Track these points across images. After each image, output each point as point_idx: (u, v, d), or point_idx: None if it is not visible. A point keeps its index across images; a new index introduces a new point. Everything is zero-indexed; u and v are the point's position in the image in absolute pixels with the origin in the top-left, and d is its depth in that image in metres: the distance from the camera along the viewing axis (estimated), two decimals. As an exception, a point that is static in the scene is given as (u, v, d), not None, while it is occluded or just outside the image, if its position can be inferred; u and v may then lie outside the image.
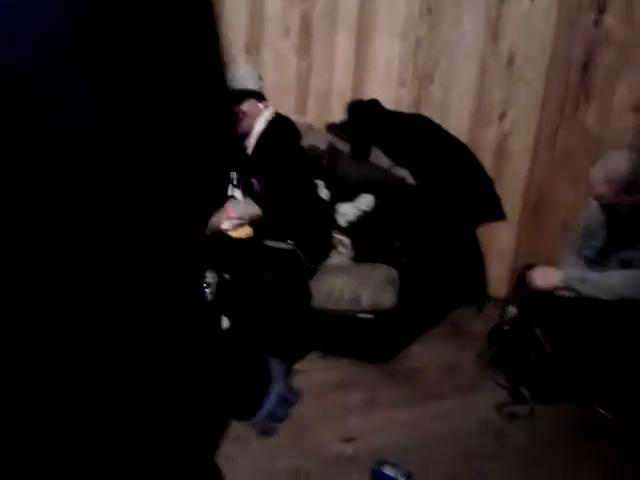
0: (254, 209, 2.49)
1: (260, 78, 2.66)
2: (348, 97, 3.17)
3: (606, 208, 2.16)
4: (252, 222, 2.45)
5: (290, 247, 2.44)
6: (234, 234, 2.45)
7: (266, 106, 2.63)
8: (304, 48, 3.26)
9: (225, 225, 2.49)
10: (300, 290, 2.45)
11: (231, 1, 3.32)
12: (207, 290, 2.16)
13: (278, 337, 2.27)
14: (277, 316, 2.23)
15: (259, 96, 2.61)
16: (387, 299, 2.47)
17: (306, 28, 3.23)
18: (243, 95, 2.54)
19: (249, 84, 2.58)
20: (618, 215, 2.19)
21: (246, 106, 2.55)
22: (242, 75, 2.58)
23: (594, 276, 2.14)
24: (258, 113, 2.59)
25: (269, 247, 2.43)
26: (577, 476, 1.96)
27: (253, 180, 2.54)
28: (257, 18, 3.30)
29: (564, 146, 2.86)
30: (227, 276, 2.31)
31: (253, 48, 3.34)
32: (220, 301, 2.20)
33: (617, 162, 2.06)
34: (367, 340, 2.55)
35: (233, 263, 2.34)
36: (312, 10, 3.19)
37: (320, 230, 2.62)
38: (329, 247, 2.65)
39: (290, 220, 2.50)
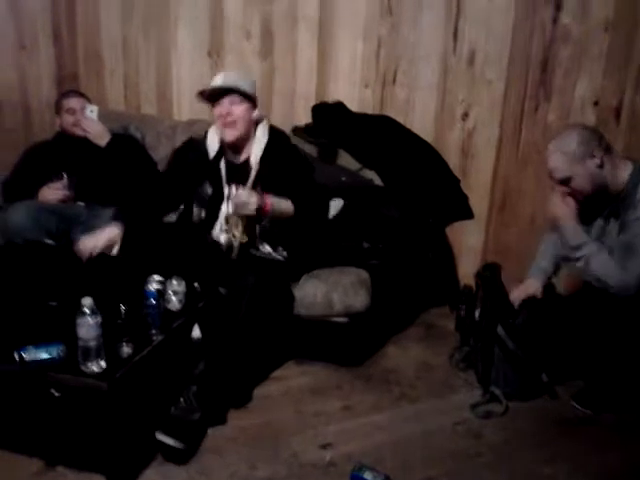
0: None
1: (254, 87, 2.49)
2: (312, 99, 3.17)
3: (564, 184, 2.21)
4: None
5: (276, 257, 2.40)
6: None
7: (261, 116, 2.49)
8: (266, 51, 3.25)
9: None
10: (282, 299, 2.40)
11: (191, 6, 3.29)
12: (175, 299, 2.13)
13: (258, 345, 2.25)
14: (258, 325, 2.21)
15: (254, 103, 2.45)
16: (359, 301, 2.46)
17: (267, 31, 3.22)
18: (236, 93, 2.37)
19: (245, 86, 2.39)
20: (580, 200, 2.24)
21: (240, 109, 2.38)
22: (236, 76, 2.46)
23: (593, 246, 2.15)
24: (254, 121, 2.45)
25: (252, 255, 2.40)
26: (553, 472, 1.98)
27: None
28: (218, 22, 3.27)
29: (527, 143, 2.90)
30: (197, 285, 2.28)
31: (215, 53, 3.31)
32: (190, 310, 2.17)
33: (568, 136, 2.18)
34: (341, 344, 2.54)
35: (214, 270, 2.31)
36: (272, 13, 3.18)
37: (317, 246, 2.56)
38: (318, 263, 2.57)
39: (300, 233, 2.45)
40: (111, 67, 3.54)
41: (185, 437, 1.95)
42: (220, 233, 2.46)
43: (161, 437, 1.92)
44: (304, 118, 3.14)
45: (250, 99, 2.43)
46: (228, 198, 2.43)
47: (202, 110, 3.37)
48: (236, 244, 2.40)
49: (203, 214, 2.52)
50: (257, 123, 2.48)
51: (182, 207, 2.62)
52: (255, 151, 2.45)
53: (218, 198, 2.48)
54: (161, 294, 2.05)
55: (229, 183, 2.44)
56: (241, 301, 2.15)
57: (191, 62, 3.38)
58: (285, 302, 2.41)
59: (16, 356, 1.77)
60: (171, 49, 3.40)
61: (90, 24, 3.50)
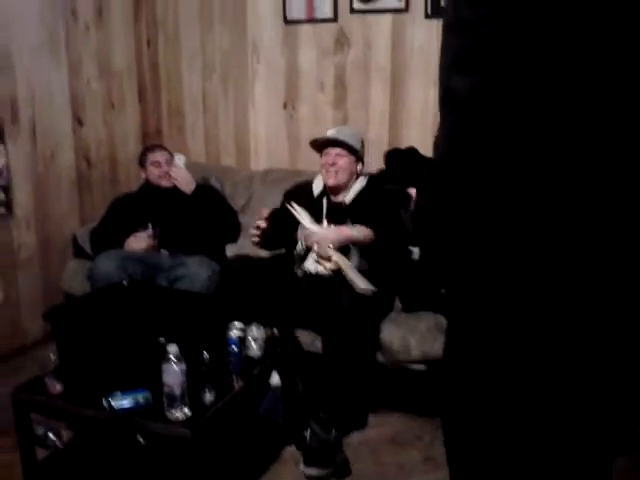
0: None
1: (362, 144, 2.78)
2: (385, 147, 3.19)
3: None
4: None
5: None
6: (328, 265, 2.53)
7: (362, 172, 2.75)
8: (339, 101, 3.32)
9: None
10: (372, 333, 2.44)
11: (269, 62, 3.42)
12: (255, 345, 2.15)
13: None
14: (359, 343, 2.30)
15: (357, 157, 2.72)
16: (437, 348, 2.41)
17: (340, 82, 3.30)
18: (342, 147, 2.66)
19: (352, 141, 2.70)
20: None
21: (344, 161, 2.66)
22: (349, 131, 2.79)
23: None
24: (354, 172, 2.71)
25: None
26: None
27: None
28: (293, 76, 3.38)
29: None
30: (275, 330, 2.31)
31: (290, 104, 3.42)
32: (269, 356, 2.19)
33: None
34: (420, 392, 2.49)
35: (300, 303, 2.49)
36: (345, 63, 3.27)
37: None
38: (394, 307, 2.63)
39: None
40: (192, 122, 3.71)
41: (328, 460, 2.08)
42: (312, 264, 2.61)
43: (307, 470, 2.07)
44: (377, 165, 3.16)
45: (355, 153, 2.70)
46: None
47: (278, 160, 3.49)
48: (327, 272, 2.54)
49: (304, 247, 2.67)
50: (359, 175, 2.75)
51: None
52: (350, 195, 2.69)
53: None
54: (242, 341, 2.09)
55: (327, 219, 2.66)
56: (340, 319, 2.28)
57: (267, 114, 3.50)
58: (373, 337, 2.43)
59: (105, 403, 1.83)
60: (248, 102, 3.53)
61: (173, 82, 3.70)
